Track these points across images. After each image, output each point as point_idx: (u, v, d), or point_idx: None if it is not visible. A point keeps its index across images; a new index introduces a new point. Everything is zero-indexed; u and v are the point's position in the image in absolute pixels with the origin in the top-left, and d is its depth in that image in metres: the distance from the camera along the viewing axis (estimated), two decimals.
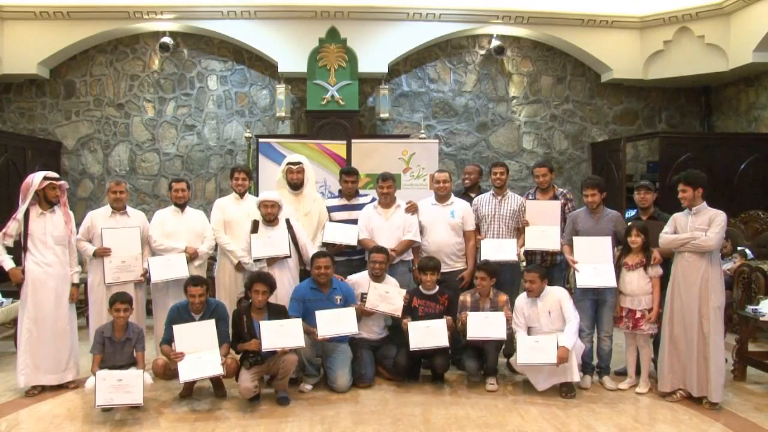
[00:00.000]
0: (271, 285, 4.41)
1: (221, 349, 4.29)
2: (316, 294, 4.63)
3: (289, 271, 4.86)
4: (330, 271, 4.67)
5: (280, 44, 7.81)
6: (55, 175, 4.64)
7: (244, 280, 4.73)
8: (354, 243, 5.03)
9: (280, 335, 4.19)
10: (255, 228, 4.84)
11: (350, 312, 4.53)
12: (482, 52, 8.44)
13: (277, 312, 4.41)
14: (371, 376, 4.72)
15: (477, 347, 4.68)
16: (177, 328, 4.21)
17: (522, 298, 4.65)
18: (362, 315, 4.70)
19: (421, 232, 5.10)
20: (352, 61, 7.53)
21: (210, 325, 4.26)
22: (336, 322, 4.47)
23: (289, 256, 4.81)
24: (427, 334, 4.54)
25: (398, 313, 4.66)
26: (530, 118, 8.54)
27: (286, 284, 4.78)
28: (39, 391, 4.47)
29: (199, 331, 4.24)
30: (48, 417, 4.04)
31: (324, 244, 5.06)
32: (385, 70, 7.92)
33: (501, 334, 4.49)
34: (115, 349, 4.27)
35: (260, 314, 4.37)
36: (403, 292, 4.74)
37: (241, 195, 5.32)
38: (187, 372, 4.12)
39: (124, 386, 3.93)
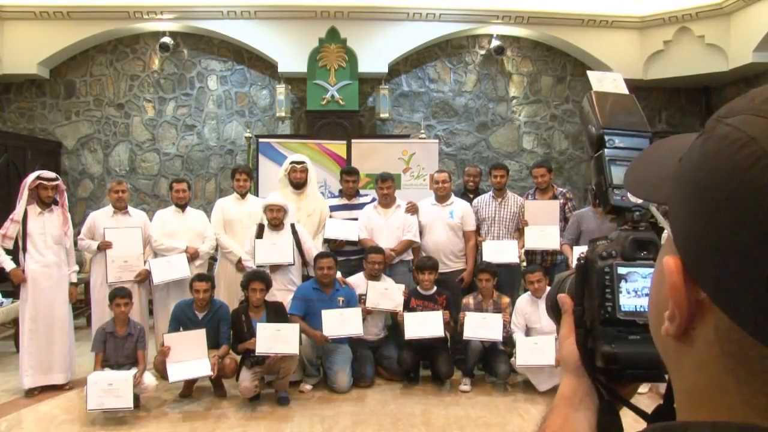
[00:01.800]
0: (267, 282, 4.42)
1: (221, 349, 4.31)
2: (320, 294, 4.63)
3: (291, 276, 4.88)
4: (333, 271, 4.66)
5: (280, 44, 7.80)
6: (49, 174, 4.62)
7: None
8: (354, 238, 5.04)
9: (275, 340, 4.18)
10: (260, 232, 4.83)
11: (356, 312, 4.54)
12: (482, 52, 8.43)
13: (275, 310, 4.42)
14: (371, 375, 4.72)
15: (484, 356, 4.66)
16: (167, 337, 4.25)
17: (524, 299, 4.65)
18: (364, 314, 4.70)
19: (421, 232, 5.10)
20: (352, 61, 7.53)
21: (200, 334, 4.26)
22: (341, 322, 4.48)
23: (293, 264, 4.82)
24: (423, 324, 4.55)
25: (400, 308, 4.67)
26: (530, 118, 8.54)
27: (288, 290, 4.80)
28: (39, 391, 4.47)
29: (189, 339, 4.26)
30: (48, 417, 4.04)
31: (325, 241, 5.08)
32: (385, 70, 7.91)
33: (497, 335, 4.49)
34: (117, 345, 4.27)
35: (258, 312, 4.38)
36: (402, 287, 4.75)
37: (243, 195, 5.32)
38: (175, 373, 4.13)
39: (114, 390, 3.92)
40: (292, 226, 4.88)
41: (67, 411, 4.14)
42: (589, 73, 0.94)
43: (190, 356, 4.19)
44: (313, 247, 4.95)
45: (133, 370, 4.12)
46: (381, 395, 4.48)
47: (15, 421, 3.98)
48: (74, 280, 4.69)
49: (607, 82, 0.88)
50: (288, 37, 7.78)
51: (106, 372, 4.09)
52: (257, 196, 5.94)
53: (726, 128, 0.37)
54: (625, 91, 0.87)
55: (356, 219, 5.17)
